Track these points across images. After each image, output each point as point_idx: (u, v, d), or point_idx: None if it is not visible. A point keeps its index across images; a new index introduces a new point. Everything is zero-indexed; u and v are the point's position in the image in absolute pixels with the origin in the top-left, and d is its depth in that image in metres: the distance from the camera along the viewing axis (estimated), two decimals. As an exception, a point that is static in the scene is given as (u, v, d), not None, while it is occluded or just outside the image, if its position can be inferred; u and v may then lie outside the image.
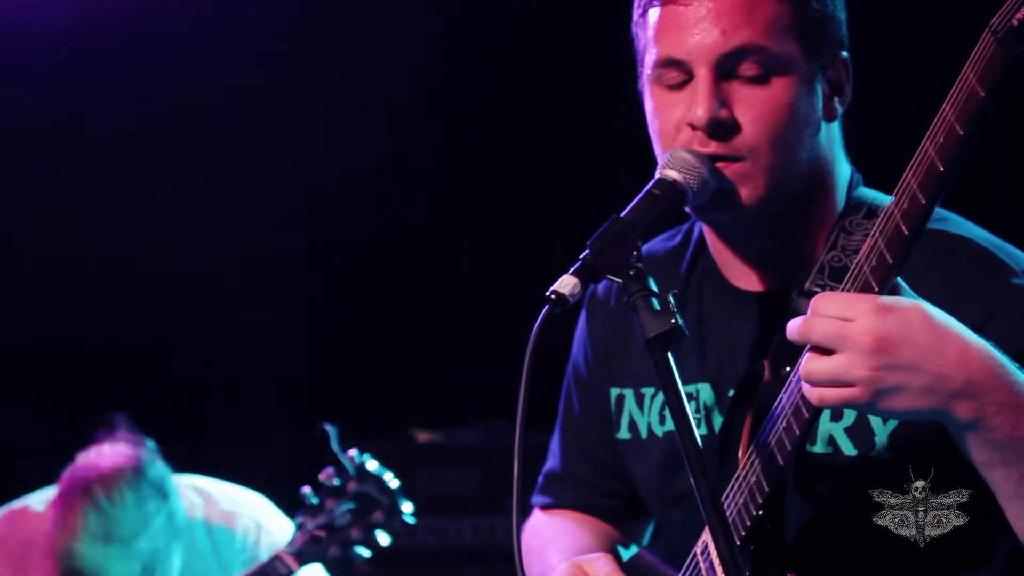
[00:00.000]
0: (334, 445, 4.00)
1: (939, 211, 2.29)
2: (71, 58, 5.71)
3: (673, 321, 2.09)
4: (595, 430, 2.68)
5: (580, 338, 2.72)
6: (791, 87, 2.32)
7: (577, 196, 5.85)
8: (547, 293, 2.12)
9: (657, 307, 2.11)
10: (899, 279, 2.10)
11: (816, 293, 2.26)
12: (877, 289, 2.09)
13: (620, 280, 2.14)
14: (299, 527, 4.01)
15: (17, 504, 4.22)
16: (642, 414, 2.58)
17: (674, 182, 2.26)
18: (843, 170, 2.46)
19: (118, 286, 5.61)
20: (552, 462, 2.79)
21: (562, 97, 5.79)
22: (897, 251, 2.07)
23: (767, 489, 2.27)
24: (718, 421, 2.44)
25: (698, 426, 2.42)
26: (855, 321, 2.02)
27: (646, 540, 2.77)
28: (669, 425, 2.50)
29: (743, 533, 2.29)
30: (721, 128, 2.31)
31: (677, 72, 2.34)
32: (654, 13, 2.36)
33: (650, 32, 2.36)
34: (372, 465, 4.05)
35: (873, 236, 2.10)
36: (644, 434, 2.57)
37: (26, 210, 5.75)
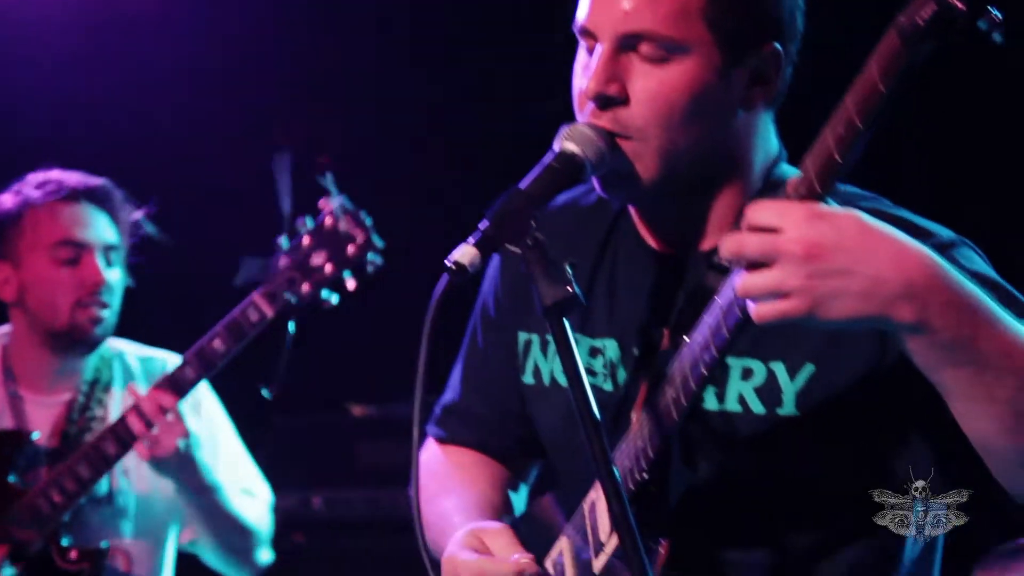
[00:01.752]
0: (330, 185, 3.96)
1: (867, 193, 2.36)
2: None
3: (570, 289, 2.14)
4: (498, 369, 2.69)
5: (492, 276, 2.72)
6: (691, 71, 2.31)
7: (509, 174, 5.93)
8: (446, 262, 2.16)
9: (554, 276, 2.15)
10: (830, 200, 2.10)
11: (721, 266, 2.28)
12: None
13: (519, 250, 2.18)
14: (273, 268, 4.02)
15: None
16: (545, 361, 2.60)
17: (572, 155, 2.28)
18: (765, 153, 2.44)
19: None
20: (451, 395, 2.80)
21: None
22: None
23: (652, 455, 2.32)
24: (622, 376, 2.47)
25: (604, 381, 2.48)
26: (786, 231, 2.01)
27: (531, 480, 2.79)
28: None
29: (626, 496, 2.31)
30: (611, 103, 2.31)
31: (590, 39, 2.35)
32: None
33: None
34: (349, 205, 4.00)
35: None
36: (547, 381, 2.60)
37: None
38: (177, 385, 4.01)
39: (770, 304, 2.03)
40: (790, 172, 2.41)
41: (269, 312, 4.01)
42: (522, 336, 2.65)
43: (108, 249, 4.20)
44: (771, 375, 2.35)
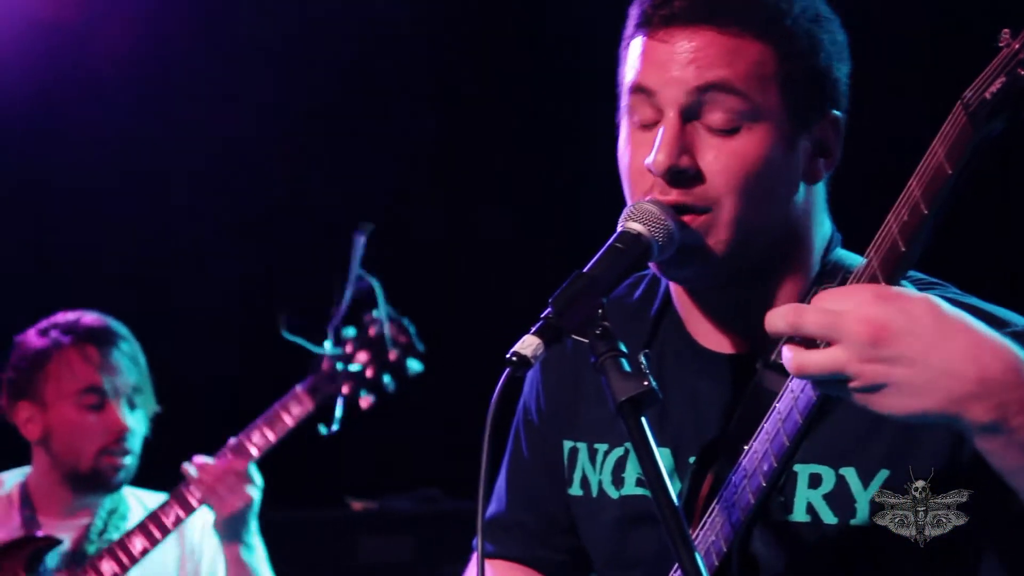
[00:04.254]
0: (379, 297, 4.16)
1: (934, 279, 2.22)
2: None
3: (646, 384, 1.97)
4: (544, 479, 2.54)
5: (533, 380, 2.56)
6: (764, 140, 2.18)
7: (515, 255, 5.94)
8: (508, 355, 1.99)
9: (628, 369, 1.98)
10: (906, 283, 1.98)
11: (781, 366, 2.11)
12: None
13: (586, 340, 2.02)
14: (317, 365, 4.22)
15: None
16: (594, 471, 2.44)
17: (638, 235, 2.13)
18: (822, 232, 2.32)
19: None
20: (496, 506, 2.62)
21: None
22: None
23: (716, 562, 2.20)
24: (677, 488, 2.29)
25: None
26: (851, 310, 1.85)
27: None
28: (627, 489, 2.40)
29: None
30: (682, 177, 2.18)
31: (649, 108, 2.22)
32: (635, 45, 2.24)
33: (628, 64, 2.25)
34: (392, 313, 4.22)
35: None
36: (595, 492, 2.44)
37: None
38: None
39: (825, 389, 1.90)
40: (847, 257, 2.32)
41: (310, 405, 4.20)
42: (567, 444, 2.49)
43: (133, 392, 4.31)
44: (841, 482, 2.20)
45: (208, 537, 4.35)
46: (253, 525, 4.24)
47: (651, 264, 2.22)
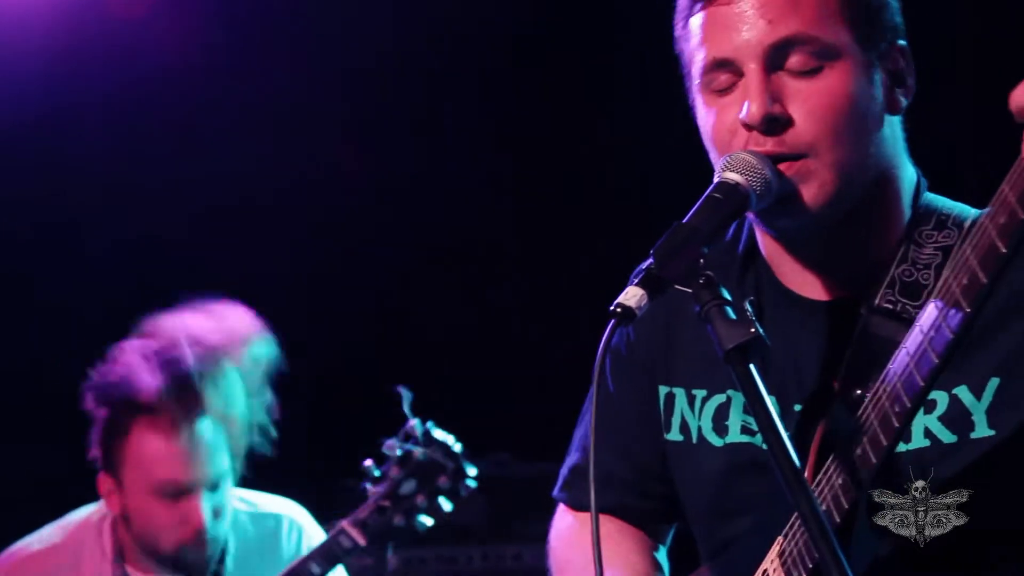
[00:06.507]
0: (405, 408, 3.99)
1: None
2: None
3: (753, 331, 1.99)
4: (636, 426, 2.52)
5: (622, 329, 2.43)
6: (846, 76, 2.22)
7: (584, 231, 5.99)
8: (612, 307, 2.03)
9: (733, 316, 2.00)
10: None
11: (887, 310, 2.21)
12: (968, 309, 1.94)
13: (690, 290, 2.04)
14: (364, 498, 4.03)
15: (16, 546, 4.17)
16: (694, 417, 2.44)
17: (736, 184, 2.15)
18: (908, 173, 2.34)
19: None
20: (581, 456, 2.60)
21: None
22: (992, 270, 1.91)
23: (838, 520, 2.18)
24: None
25: (763, 441, 2.16)
26: None
27: (668, 542, 2.64)
28: (731, 436, 2.39)
29: (815, 556, 2.16)
30: (776, 124, 2.21)
31: (727, 74, 2.25)
32: (696, 19, 2.28)
33: (694, 40, 2.29)
34: (437, 432, 4.04)
35: (963, 252, 1.95)
36: (695, 438, 2.43)
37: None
38: None
39: None
40: (938, 202, 2.34)
41: (361, 540, 4.00)
42: (663, 390, 2.48)
43: (217, 477, 3.98)
44: (955, 401, 2.22)
45: None
46: None
47: (749, 214, 2.25)
